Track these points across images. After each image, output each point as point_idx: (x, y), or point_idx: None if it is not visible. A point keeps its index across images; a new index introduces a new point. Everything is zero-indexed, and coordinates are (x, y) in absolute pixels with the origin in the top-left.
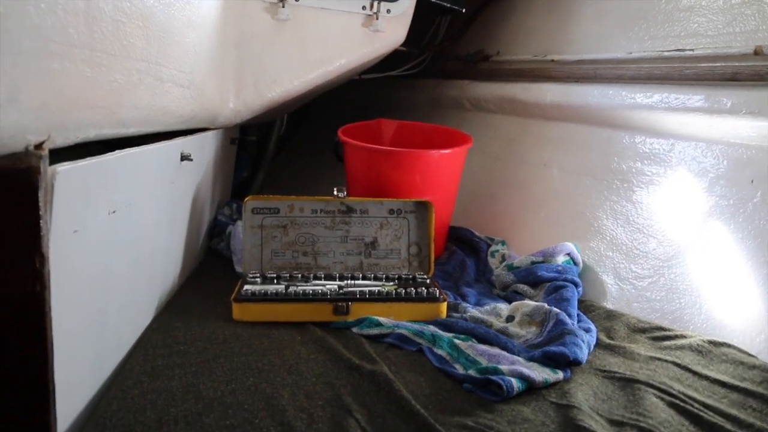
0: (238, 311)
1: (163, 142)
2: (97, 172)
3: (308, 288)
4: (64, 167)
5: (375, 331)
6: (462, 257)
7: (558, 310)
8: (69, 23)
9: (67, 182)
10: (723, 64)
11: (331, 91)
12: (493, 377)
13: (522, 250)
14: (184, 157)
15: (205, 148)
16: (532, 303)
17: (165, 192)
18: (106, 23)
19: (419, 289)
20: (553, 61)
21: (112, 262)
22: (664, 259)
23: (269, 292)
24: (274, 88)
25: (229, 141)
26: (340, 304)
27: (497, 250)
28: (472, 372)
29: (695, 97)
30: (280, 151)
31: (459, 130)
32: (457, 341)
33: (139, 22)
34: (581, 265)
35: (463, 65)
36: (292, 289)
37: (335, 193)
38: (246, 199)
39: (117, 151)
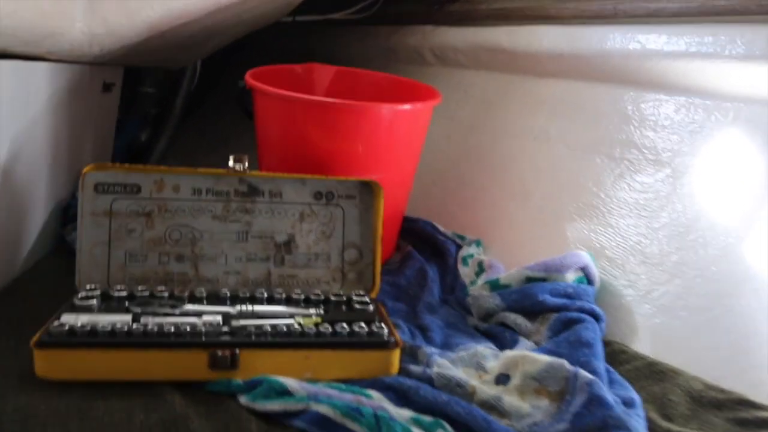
0: (43, 363)
1: None
2: None
3: (171, 321)
4: None
5: (277, 405)
6: (420, 263)
7: (591, 377)
8: None
9: None
10: None
11: (261, 39)
12: None
13: (505, 253)
14: None
15: (33, 86)
16: (542, 357)
17: None
18: None
19: (355, 325)
20: None
21: None
22: (732, 282)
23: (99, 329)
24: (153, 4)
25: (100, 86)
26: (221, 352)
27: (471, 255)
28: None
29: None
30: (191, 110)
31: (422, 83)
32: None
33: None
34: (598, 284)
35: (426, 7)
36: (143, 321)
37: (231, 164)
38: (85, 169)
39: None
